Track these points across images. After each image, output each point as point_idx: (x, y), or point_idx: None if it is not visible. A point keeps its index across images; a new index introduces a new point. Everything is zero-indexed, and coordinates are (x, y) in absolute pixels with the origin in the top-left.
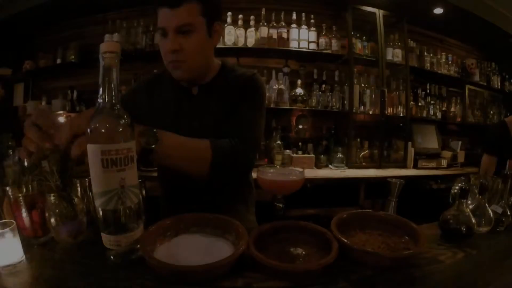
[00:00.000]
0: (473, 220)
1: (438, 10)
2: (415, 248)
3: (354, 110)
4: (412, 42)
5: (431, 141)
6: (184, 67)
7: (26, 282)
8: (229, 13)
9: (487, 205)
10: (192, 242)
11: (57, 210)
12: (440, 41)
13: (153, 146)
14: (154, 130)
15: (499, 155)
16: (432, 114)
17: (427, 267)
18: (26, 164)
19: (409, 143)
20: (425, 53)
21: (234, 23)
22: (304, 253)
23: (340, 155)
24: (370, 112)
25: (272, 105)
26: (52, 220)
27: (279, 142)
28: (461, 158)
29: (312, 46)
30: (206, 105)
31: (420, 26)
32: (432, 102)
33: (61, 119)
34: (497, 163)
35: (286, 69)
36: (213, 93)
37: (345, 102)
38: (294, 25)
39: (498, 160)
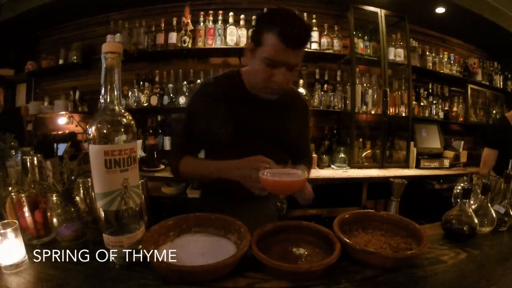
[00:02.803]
0: (476, 220)
1: (440, 10)
2: (418, 249)
3: (356, 110)
4: (414, 41)
5: (434, 141)
6: (280, 93)
7: (28, 281)
8: (231, 13)
9: (489, 205)
10: (195, 242)
11: (59, 211)
12: (442, 41)
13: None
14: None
15: (500, 148)
16: (434, 113)
17: (429, 267)
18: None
19: (412, 143)
20: (427, 53)
21: (236, 23)
22: (306, 253)
23: (342, 155)
24: (372, 112)
25: None
26: (54, 220)
27: None
28: (463, 158)
29: (314, 46)
30: (267, 114)
31: (422, 25)
32: (434, 101)
33: None
34: (499, 157)
35: None
36: (272, 105)
37: (347, 102)
38: None
39: (499, 153)
